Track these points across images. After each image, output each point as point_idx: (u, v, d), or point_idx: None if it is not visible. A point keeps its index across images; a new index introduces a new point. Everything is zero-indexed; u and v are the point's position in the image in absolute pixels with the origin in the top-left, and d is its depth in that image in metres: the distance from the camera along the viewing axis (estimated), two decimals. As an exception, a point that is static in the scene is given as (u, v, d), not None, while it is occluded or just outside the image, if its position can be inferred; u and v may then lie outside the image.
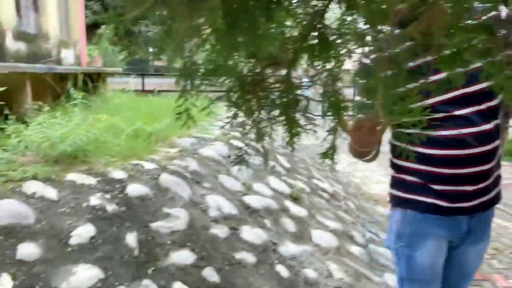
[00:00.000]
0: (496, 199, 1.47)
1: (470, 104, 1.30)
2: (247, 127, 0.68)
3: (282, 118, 0.65)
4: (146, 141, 3.69)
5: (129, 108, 5.20)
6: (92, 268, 2.02)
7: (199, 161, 3.58)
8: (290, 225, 3.18)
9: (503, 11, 0.96)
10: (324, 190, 4.40)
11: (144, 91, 10.84)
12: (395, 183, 1.57)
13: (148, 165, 3.07)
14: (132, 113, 4.67)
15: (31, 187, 2.39)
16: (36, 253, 1.99)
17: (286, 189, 3.76)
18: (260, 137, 0.68)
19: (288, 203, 3.50)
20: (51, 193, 2.38)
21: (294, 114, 0.66)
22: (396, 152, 1.55)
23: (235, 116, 0.68)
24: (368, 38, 0.57)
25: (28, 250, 1.98)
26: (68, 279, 1.92)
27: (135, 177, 2.84)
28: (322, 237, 3.16)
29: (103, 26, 14.79)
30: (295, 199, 3.67)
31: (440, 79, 0.72)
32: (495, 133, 1.36)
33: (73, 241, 2.13)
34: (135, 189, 2.69)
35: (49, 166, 2.75)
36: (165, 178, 2.94)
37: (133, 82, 12.81)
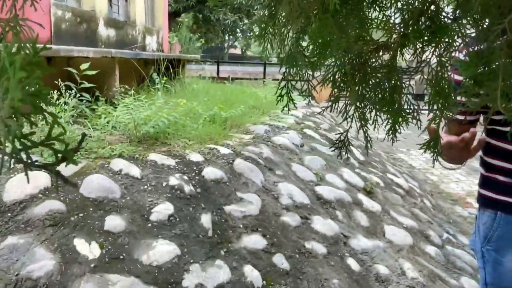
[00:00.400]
0: None
1: None
2: (350, 111, 0.67)
3: (385, 103, 0.63)
4: (222, 127, 3.79)
5: (206, 94, 5.38)
6: (170, 244, 2.13)
7: (272, 148, 3.60)
8: (362, 219, 3.10)
9: None
10: (399, 186, 4.24)
11: (219, 78, 11.13)
12: (486, 183, 1.46)
13: (224, 150, 3.15)
14: (209, 99, 4.82)
15: (117, 164, 2.56)
16: (121, 225, 2.14)
17: (359, 182, 3.67)
18: (363, 121, 0.66)
19: (361, 196, 3.41)
20: (135, 171, 2.54)
21: (398, 101, 0.63)
22: (488, 149, 1.44)
23: (336, 99, 0.67)
24: (487, 22, 0.52)
25: (114, 222, 2.13)
26: (149, 253, 2.04)
27: (211, 161, 2.93)
28: (395, 234, 3.05)
29: (183, 15, 15.34)
30: (369, 192, 3.57)
31: None
32: None
33: (154, 217, 2.25)
34: (210, 172, 2.77)
35: (133, 146, 2.93)
36: (239, 164, 3.00)
37: (209, 69, 13.21)
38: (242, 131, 4.00)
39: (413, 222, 3.41)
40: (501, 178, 1.38)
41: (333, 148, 0.77)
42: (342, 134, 0.75)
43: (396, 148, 7.39)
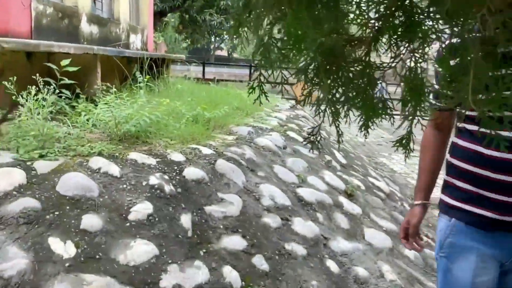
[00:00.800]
0: None
1: None
2: (322, 106, 0.66)
3: (358, 99, 0.62)
4: (205, 127, 3.76)
5: (190, 94, 5.34)
6: (148, 244, 2.10)
7: (255, 150, 3.59)
8: (343, 221, 3.12)
9: None
10: (380, 189, 4.27)
11: (204, 79, 11.07)
12: (446, 188, 1.43)
13: (206, 150, 3.13)
14: (193, 99, 4.79)
15: (96, 162, 2.52)
16: (98, 224, 2.09)
17: (341, 185, 3.68)
18: (335, 116, 0.65)
19: (342, 199, 3.43)
20: (114, 169, 2.50)
21: (371, 96, 0.62)
22: (454, 150, 1.39)
23: (309, 94, 0.66)
24: (460, 19, 0.52)
25: (91, 221, 2.09)
26: (126, 252, 2.00)
27: (192, 161, 2.90)
28: (375, 237, 3.07)
29: (169, 14, 15.24)
30: (350, 195, 3.58)
31: None
32: None
33: (132, 216, 2.22)
34: (192, 172, 2.75)
35: (113, 144, 2.88)
36: (221, 164, 2.99)
37: (194, 70, 13.13)
38: (225, 132, 3.98)
39: (393, 225, 3.44)
40: (459, 183, 1.35)
41: (305, 142, 0.76)
42: (315, 129, 0.75)
43: (378, 152, 7.46)
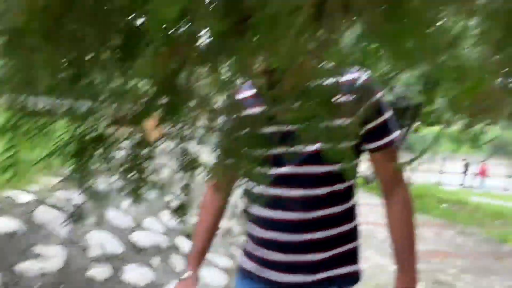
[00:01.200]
0: (337, 282, 1.16)
1: (281, 165, 1.13)
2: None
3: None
4: (25, 168, 3.34)
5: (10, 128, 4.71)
6: None
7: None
8: (179, 264, 3.07)
9: (362, 78, 1.02)
10: (219, 226, 4.36)
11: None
12: None
13: (23, 197, 2.76)
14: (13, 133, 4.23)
15: None
16: None
17: (179, 226, 3.64)
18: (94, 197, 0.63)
19: (180, 240, 3.39)
20: None
21: (138, 175, 0.62)
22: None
23: (71, 174, 0.63)
24: (219, 102, 0.57)
25: None
26: None
27: (4, 210, 2.53)
28: (210, 276, 3.09)
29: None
30: (188, 235, 3.56)
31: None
32: (302, 203, 1.13)
33: None
34: (2, 224, 2.39)
35: None
36: (42, 212, 2.67)
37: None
38: (51, 174, 3.60)
39: (229, 262, 3.52)
40: (243, 238, 1.36)
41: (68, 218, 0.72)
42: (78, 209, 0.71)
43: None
